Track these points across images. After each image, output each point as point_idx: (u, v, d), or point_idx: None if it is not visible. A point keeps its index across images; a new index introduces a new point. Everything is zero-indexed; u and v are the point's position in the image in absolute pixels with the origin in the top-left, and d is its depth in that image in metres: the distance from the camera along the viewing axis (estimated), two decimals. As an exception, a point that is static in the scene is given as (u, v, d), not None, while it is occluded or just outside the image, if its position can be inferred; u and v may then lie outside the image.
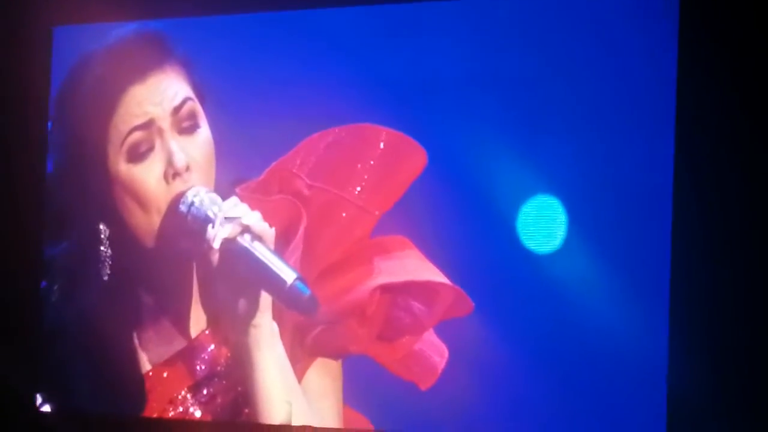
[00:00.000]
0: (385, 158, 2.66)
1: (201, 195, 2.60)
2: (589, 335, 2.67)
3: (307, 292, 2.48)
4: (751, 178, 2.65)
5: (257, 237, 2.53)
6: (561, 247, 2.72)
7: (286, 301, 2.52)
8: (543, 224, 2.73)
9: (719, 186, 2.66)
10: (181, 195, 2.61)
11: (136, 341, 2.73)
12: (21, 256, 3.10)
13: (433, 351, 2.68)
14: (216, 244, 2.53)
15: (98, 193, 2.66)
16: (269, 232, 2.55)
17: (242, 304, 2.55)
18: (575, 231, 2.72)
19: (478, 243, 2.74)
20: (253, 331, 2.56)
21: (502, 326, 2.70)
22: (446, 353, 2.67)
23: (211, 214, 2.56)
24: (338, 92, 2.78)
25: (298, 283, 2.49)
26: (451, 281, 2.64)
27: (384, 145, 2.67)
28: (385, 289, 2.60)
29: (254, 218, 2.54)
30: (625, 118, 2.70)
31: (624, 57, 2.70)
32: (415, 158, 2.67)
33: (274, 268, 2.51)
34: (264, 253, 2.53)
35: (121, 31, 2.73)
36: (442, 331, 2.68)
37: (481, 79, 2.78)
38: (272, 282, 2.51)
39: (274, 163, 2.69)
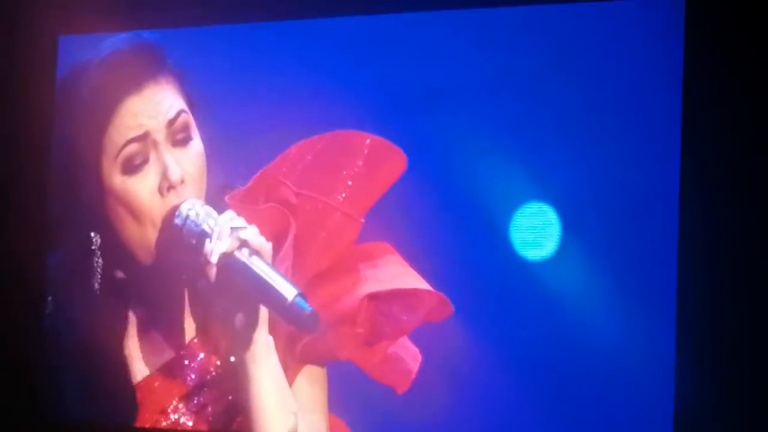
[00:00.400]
0: (368, 165, 2.64)
1: (196, 208, 2.58)
2: (588, 347, 2.64)
3: (308, 309, 2.45)
4: (762, 184, 2.59)
5: (255, 251, 2.51)
6: (561, 254, 2.68)
7: (287, 317, 2.49)
8: (543, 230, 2.70)
9: (727, 191, 2.61)
10: (175, 208, 2.60)
11: (126, 352, 2.72)
12: (22, 265, 3.09)
13: (407, 354, 2.65)
14: (214, 259, 2.51)
15: (91, 203, 2.65)
16: (267, 246, 2.53)
17: (239, 318, 2.53)
18: (577, 237, 2.68)
19: (475, 249, 2.73)
20: (249, 345, 2.54)
21: (489, 333, 2.68)
22: (419, 357, 2.65)
23: (207, 228, 2.54)
24: (327, 100, 2.78)
25: (298, 299, 2.46)
26: (434, 286, 2.62)
27: (367, 151, 2.65)
28: (372, 296, 2.59)
29: (252, 233, 2.52)
30: (630, 123, 2.68)
31: (628, 61, 2.67)
32: (395, 163, 2.65)
33: (274, 284, 2.48)
34: (263, 269, 2.50)
35: (116, 41, 2.72)
36: (427, 340, 2.65)
37: (481, 86, 2.76)
38: (272, 298, 2.48)
39: (260, 171, 2.67)
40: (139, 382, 2.70)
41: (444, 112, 2.77)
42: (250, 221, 2.54)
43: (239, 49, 2.92)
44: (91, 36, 3.00)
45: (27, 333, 2.97)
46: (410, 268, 2.64)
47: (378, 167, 2.64)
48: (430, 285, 2.61)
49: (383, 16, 2.82)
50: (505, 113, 2.73)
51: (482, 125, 2.74)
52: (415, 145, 2.70)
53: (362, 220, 2.61)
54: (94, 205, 2.64)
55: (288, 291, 2.46)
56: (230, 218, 2.54)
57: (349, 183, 2.62)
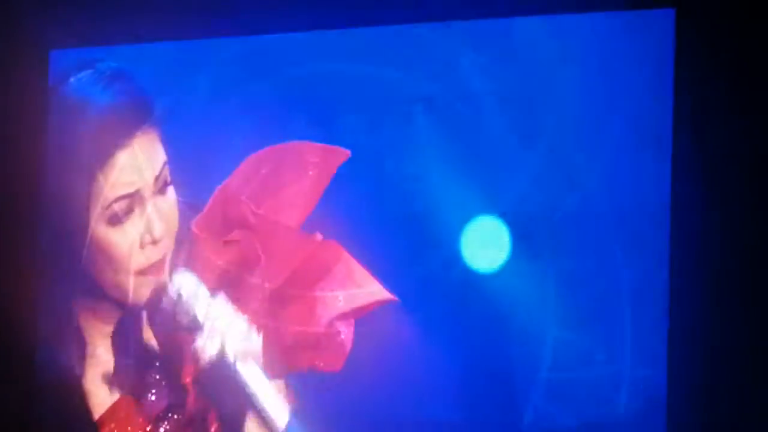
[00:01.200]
0: (318, 173, 2.67)
1: (188, 287, 2.61)
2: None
3: None
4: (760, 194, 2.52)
5: (244, 355, 2.57)
6: (557, 264, 2.66)
7: None
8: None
9: (721, 202, 2.55)
10: (161, 287, 2.64)
11: (87, 387, 2.76)
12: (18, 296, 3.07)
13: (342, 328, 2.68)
14: (204, 356, 2.58)
15: (76, 249, 2.71)
16: (255, 347, 2.58)
17: (228, 400, 2.61)
18: (566, 250, 2.65)
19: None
20: (235, 414, 2.61)
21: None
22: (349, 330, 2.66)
23: (199, 317, 2.59)
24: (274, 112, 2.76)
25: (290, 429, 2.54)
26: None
27: (317, 160, 2.67)
28: (336, 319, 2.64)
29: (240, 334, 2.58)
30: (620, 135, 2.64)
31: (618, 73, 2.63)
32: (339, 159, 2.68)
33: (267, 408, 2.56)
34: (254, 382, 2.57)
35: (108, 92, 2.74)
36: (392, 369, 2.65)
37: (467, 96, 2.72)
38: (264, 418, 2.56)
39: (217, 189, 2.70)
40: (101, 417, 2.73)
41: (428, 121, 2.73)
42: (218, 255, 2.59)
43: (230, 63, 2.90)
44: (82, 49, 3.00)
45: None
46: (361, 267, 2.66)
47: (326, 173, 2.67)
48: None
49: (368, 29, 2.80)
50: (493, 123, 2.69)
51: (467, 135, 2.70)
52: (404, 153, 2.71)
53: (320, 236, 2.63)
54: (78, 251, 2.69)
55: (281, 417, 2.54)
56: (221, 314, 2.58)
57: (303, 195, 2.66)
